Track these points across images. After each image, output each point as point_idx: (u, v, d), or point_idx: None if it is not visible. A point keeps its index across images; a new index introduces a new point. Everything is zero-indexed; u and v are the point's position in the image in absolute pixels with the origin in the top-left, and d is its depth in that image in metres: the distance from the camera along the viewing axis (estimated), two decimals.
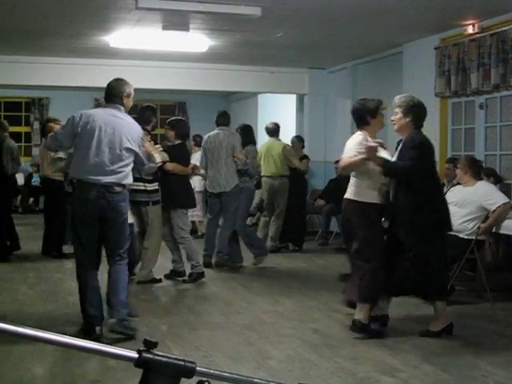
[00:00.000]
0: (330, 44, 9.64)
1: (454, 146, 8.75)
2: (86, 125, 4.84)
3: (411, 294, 5.39)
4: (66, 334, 1.13)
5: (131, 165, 4.98)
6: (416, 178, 4.93)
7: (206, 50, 9.71)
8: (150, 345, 1.13)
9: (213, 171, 7.85)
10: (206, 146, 7.96)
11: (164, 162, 6.81)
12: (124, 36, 8.93)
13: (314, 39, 9.20)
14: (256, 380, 1.22)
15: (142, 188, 6.66)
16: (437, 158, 8.57)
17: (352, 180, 5.22)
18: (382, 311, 5.28)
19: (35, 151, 14.68)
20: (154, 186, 6.80)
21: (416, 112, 5.08)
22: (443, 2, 7.10)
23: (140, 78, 9.02)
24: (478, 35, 7.81)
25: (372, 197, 5.08)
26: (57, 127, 7.32)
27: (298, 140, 10.39)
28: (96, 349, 1.13)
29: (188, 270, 7.21)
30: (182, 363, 1.13)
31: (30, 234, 10.10)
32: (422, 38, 8.87)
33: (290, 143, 9.99)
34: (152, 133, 7.19)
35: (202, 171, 8.10)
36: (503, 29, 7.42)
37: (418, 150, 4.95)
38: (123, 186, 4.90)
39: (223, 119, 8.04)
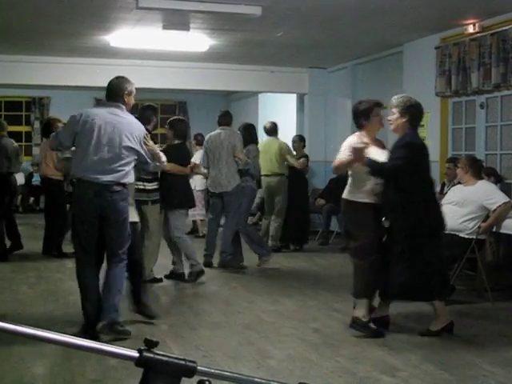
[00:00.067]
0: (330, 43, 9.63)
1: (455, 145, 8.74)
2: (86, 123, 4.82)
3: (408, 299, 5.30)
4: (66, 334, 1.13)
5: (132, 164, 4.92)
6: (404, 178, 4.93)
7: (206, 50, 9.71)
8: (150, 344, 1.13)
9: (214, 171, 7.85)
10: (207, 146, 7.97)
11: None
12: (124, 35, 8.93)
13: (314, 39, 9.20)
14: (256, 379, 1.21)
15: (142, 187, 6.65)
16: (437, 157, 8.64)
17: (349, 180, 5.26)
18: (382, 312, 5.28)
19: (35, 151, 14.66)
20: (154, 185, 6.79)
21: (413, 112, 5.08)
22: (443, 1, 7.10)
23: (140, 78, 8.98)
24: (478, 35, 7.80)
25: (365, 196, 5.09)
26: (60, 126, 7.33)
27: (299, 139, 10.33)
28: (97, 348, 1.13)
29: (188, 270, 7.21)
30: (183, 362, 1.13)
31: (30, 233, 10.09)
32: (422, 37, 8.86)
33: (290, 142, 9.98)
34: (152, 132, 7.19)
35: (203, 170, 8.10)
36: (504, 28, 7.42)
37: (405, 149, 4.95)
38: (123, 184, 4.84)
39: (225, 119, 8.04)
